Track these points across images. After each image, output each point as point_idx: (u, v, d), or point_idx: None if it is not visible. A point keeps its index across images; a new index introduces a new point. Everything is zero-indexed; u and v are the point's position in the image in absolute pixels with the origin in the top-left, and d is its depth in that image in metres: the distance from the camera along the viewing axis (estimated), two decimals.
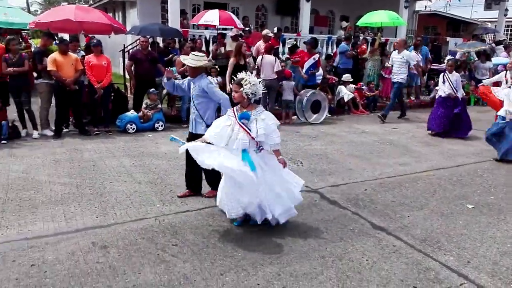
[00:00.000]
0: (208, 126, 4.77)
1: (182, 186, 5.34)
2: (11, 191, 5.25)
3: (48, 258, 3.70)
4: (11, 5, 13.38)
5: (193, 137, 4.95)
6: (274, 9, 18.28)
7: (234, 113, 4.26)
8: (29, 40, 14.43)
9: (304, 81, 10.48)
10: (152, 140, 8.03)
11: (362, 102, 11.77)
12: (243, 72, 4.38)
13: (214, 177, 4.84)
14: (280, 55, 11.52)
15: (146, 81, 9.12)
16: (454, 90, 8.71)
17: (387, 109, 10.48)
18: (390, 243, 4.19)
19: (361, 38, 14.07)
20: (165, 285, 3.37)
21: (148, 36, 9.81)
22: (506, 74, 9.11)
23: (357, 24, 14.38)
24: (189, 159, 4.66)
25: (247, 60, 9.40)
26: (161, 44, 11.21)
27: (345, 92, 11.36)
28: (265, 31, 10.85)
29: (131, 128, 8.49)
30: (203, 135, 4.63)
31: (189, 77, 5.07)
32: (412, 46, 13.07)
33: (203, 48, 11.06)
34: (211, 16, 10.95)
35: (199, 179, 5.18)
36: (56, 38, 10.26)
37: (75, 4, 10.00)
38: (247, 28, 12.48)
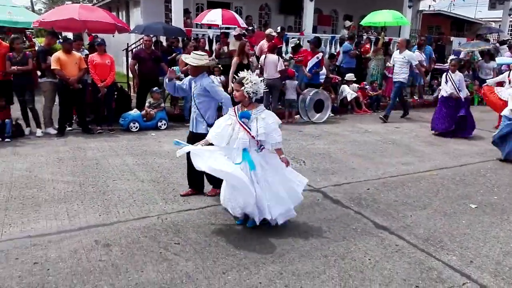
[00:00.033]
0: (209, 125, 4.79)
1: (185, 185, 5.34)
2: (14, 189, 5.27)
3: (51, 256, 3.72)
4: (15, 4, 13.41)
5: (193, 136, 4.97)
6: (277, 8, 18.27)
7: (235, 112, 4.26)
8: (33, 39, 14.48)
9: (308, 80, 10.48)
10: (155, 138, 8.04)
11: (365, 101, 11.75)
12: (245, 71, 4.38)
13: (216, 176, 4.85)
14: (283, 55, 11.52)
15: (149, 80, 9.15)
16: (457, 90, 8.68)
17: (388, 109, 10.46)
18: (393, 242, 4.18)
19: (364, 37, 14.05)
20: (168, 284, 3.38)
21: (151, 35, 9.83)
22: (509, 74, 9.07)
23: (360, 23, 14.36)
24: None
25: (250, 59, 9.39)
26: (164, 43, 11.22)
27: (348, 92, 11.34)
28: (268, 30, 10.84)
29: (134, 126, 8.51)
30: (204, 134, 4.68)
31: (190, 76, 5.07)
32: (416, 46, 13.04)
33: (206, 47, 11.06)
34: (214, 16, 10.95)
35: (201, 178, 5.18)
36: (60, 37, 10.30)
37: (79, 3, 10.01)
38: (250, 27, 12.50)
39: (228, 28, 11.86)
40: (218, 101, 5.02)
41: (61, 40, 8.77)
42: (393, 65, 10.47)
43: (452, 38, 17.92)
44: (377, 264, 3.76)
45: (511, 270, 3.74)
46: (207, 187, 5.26)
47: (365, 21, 13.34)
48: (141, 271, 3.53)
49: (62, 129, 8.09)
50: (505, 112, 7.29)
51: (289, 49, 11.89)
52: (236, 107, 4.33)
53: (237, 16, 11.59)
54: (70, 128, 8.48)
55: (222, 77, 9.41)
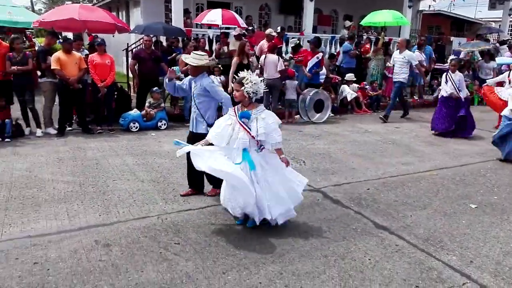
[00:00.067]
0: (209, 125, 4.79)
1: (185, 185, 5.34)
2: (14, 189, 5.27)
3: (51, 256, 3.72)
4: (15, 4, 13.41)
5: (193, 136, 4.97)
6: (277, 8, 18.27)
7: (235, 112, 4.26)
8: (33, 39, 14.48)
9: (308, 80, 10.48)
10: (155, 138, 8.04)
11: (365, 101, 11.75)
12: (245, 71, 4.37)
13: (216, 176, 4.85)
14: (284, 55, 11.51)
15: (149, 80, 9.15)
16: (457, 90, 8.68)
17: (388, 109, 10.45)
18: (393, 242, 4.18)
19: (364, 37, 14.04)
20: (168, 284, 3.37)
21: (151, 35, 9.82)
22: (509, 74, 9.07)
23: (360, 23, 14.35)
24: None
25: (250, 59, 9.39)
26: (164, 43, 11.22)
27: (348, 92, 11.34)
28: (268, 30, 10.84)
29: (134, 126, 8.51)
30: (204, 134, 4.68)
31: (190, 76, 5.07)
32: (416, 46, 13.04)
33: (207, 47, 11.06)
34: (214, 16, 10.94)
35: (201, 178, 5.17)
36: (60, 37, 10.29)
37: (79, 3, 10.01)
38: (250, 27, 12.49)
39: (228, 28, 11.86)
40: (218, 101, 5.02)
41: (61, 40, 8.77)
42: (393, 65, 10.47)
43: (452, 38, 17.92)
44: (377, 264, 3.76)
45: (511, 270, 3.74)
46: (207, 187, 5.26)
47: (365, 21, 13.34)
48: (141, 271, 3.53)
49: (62, 129, 8.09)
50: (505, 112, 7.29)
51: (289, 49, 11.89)
52: (236, 107, 4.33)
53: (237, 16, 11.60)
54: (70, 128, 8.48)
55: (222, 77, 9.41)
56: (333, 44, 13.69)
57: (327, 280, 3.50)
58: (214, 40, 11.68)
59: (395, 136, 8.87)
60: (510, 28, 25.45)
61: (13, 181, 5.52)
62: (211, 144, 4.32)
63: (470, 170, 6.66)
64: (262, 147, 4.23)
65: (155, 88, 8.98)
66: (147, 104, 8.89)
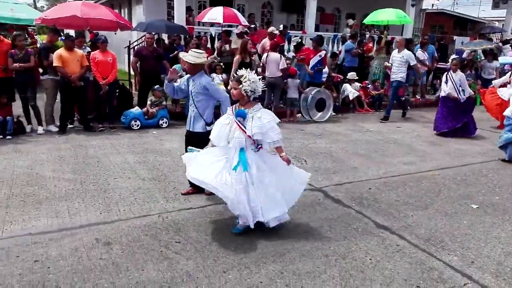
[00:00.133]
0: (207, 124, 4.78)
1: (186, 184, 5.33)
2: (16, 186, 5.27)
3: (52, 254, 3.72)
4: (17, 1, 13.39)
5: (190, 135, 4.97)
6: (280, 7, 18.25)
7: (232, 111, 4.19)
8: (35, 36, 14.51)
9: (310, 79, 10.45)
10: (156, 137, 8.04)
11: (367, 100, 11.72)
12: (244, 69, 4.33)
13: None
14: (286, 53, 11.49)
15: (151, 77, 9.13)
16: (457, 89, 8.63)
17: (388, 110, 10.42)
18: (394, 242, 4.17)
19: (367, 36, 14.00)
20: (168, 282, 3.37)
21: (153, 33, 9.81)
22: (511, 75, 9.04)
23: (363, 22, 14.31)
24: None
25: (252, 57, 9.38)
26: (166, 41, 11.21)
27: (350, 91, 11.32)
28: (270, 29, 10.81)
29: (135, 124, 8.51)
30: (201, 133, 4.68)
31: (188, 75, 5.04)
32: (419, 45, 13.00)
33: (208, 45, 11.05)
34: (215, 13, 10.93)
35: None
36: (62, 34, 10.29)
37: (81, 0, 9.99)
38: (252, 26, 12.46)
39: (230, 26, 11.84)
40: (217, 100, 4.98)
41: (63, 38, 8.76)
42: (391, 64, 10.40)
43: (455, 37, 17.87)
44: (378, 264, 3.75)
45: None
46: None
47: (368, 20, 13.30)
48: (142, 270, 3.53)
49: (63, 126, 8.09)
50: (507, 112, 7.27)
51: (291, 48, 11.87)
52: (234, 106, 4.27)
53: (238, 14, 11.57)
54: (72, 126, 8.48)
55: (224, 75, 9.40)
56: (335, 42, 13.66)
57: (328, 279, 3.49)
58: (216, 38, 11.67)
59: (397, 135, 8.85)
60: None
61: (14, 179, 5.52)
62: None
63: (471, 170, 6.64)
64: (260, 146, 4.13)
65: (156, 86, 8.96)
66: (148, 102, 8.88)
